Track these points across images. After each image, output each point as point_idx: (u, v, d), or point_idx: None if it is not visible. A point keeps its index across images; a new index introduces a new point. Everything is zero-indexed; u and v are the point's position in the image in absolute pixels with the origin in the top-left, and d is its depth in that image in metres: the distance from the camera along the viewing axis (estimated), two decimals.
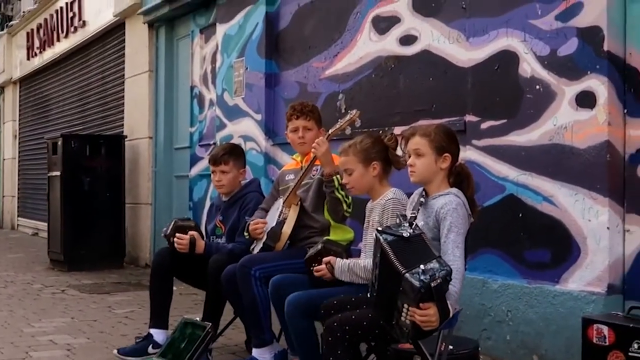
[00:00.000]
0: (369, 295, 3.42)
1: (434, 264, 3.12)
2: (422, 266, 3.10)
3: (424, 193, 3.58)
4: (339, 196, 4.17)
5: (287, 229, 4.47)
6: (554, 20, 4.64)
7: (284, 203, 4.54)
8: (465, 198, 3.51)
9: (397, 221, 3.43)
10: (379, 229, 3.32)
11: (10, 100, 16.84)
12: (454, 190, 3.52)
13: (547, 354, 4.61)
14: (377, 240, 3.27)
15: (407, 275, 3.08)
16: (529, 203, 4.78)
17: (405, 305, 3.12)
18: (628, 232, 4.37)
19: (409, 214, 3.52)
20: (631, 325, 3.76)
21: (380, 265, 3.26)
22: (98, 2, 11.59)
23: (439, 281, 3.08)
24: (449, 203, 3.43)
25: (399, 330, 3.21)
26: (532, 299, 4.70)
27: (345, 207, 4.20)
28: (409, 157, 3.60)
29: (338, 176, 4.15)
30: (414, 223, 3.36)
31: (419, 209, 3.54)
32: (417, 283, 3.06)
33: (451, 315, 3.22)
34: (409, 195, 3.83)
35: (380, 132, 4.34)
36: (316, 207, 4.48)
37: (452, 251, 3.34)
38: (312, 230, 4.48)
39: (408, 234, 3.23)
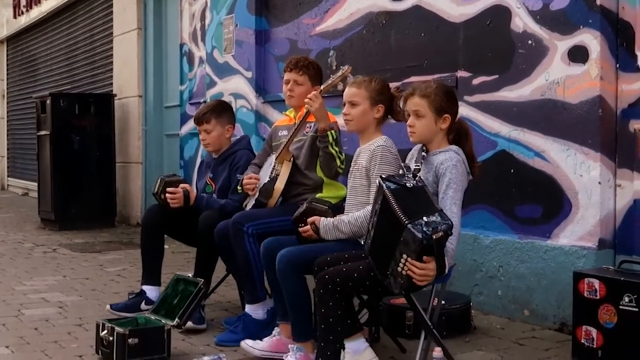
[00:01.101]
0: (362, 243, 3.42)
1: (436, 217, 3.11)
2: (424, 218, 3.09)
3: (424, 148, 3.58)
4: (333, 152, 4.15)
5: (280, 185, 4.45)
6: None
7: (276, 159, 4.52)
8: (465, 154, 3.51)
9: (401, 172, 3.44)
10: (383, 176, 3.31)
11: None
12: (454, 147, 3.52)
13: (538, 308, 4.65)
14: (379, 187, 3.26)
15: (409, 226, 3.07)
16: (521, 159, 4.78)
17: (404, 256, 3.12)
18: (619, 187, 4.39)
19: (412, 166, 3.52)
20: (622, 278, 3.79)
21: (380, 213, 3.26)
22: None
23: (440, 234, 3.07)
24: (449, 159, 3.43)
25: (392, 281, 3.20)
26: (524, 254, 4.73)
27: (338, 162, 4.18)
28: (408, 116, 3.58)
29: (333, 131, 4.13)
30: (418, 175, 3.37)
31: (422, 162, 3.53)
32: (419, 235, 3.05)
33: (447, 269, 3.22)
34: (401, 151, 3.83)
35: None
36: (309, 164, 4.45)
37: (450, 207, 3.34)
38: (305, 187, 4.46)
39: (411, 185, 3.23)
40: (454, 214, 3.33)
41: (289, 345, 3.87)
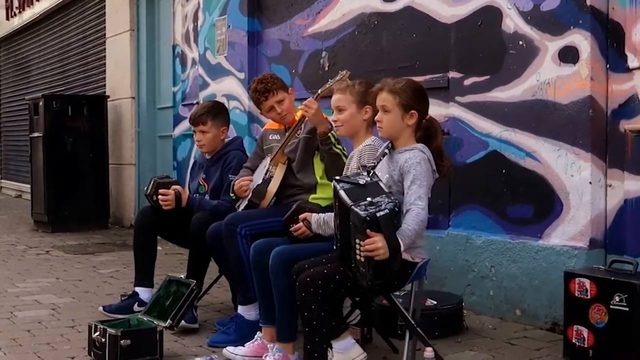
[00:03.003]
0: (334, 248, 3.44)
1: (381, 198, 3.18)
2: (369, 199, 3.16)
3: (389, 145, 3.61)
4: (337, 150, 4.17)
5: (273, 187, 4.46)
6: None
7: (270, 161, 4.52)
8: (432, 153, 3.53)
9: (358, 171, 3.47)
10: (337, 178, 3.37)
11: None
12: (420, 145, 3.54)
13: (529, 308, 4.66)
14: (334, 189, 3.33)
15: (353, 207, 3.15)
16: (512, 159, 4.79)
17: (357, 241, 3.16)
18: (610, 187, 4.40)
19: (370, 164, 3.56)
20: (612, 278, 3.80)
21: (339, 213, 3.33)
22: None
23: (385, 212, 3.12)
24: (412, 157, 3.45)
25: (358, 273, 3.24)
26: (515, 254, 4.74)
27: (345, 159, 4.19)
28: (377, 112, 3.61)
29: (333, 132, 4.15)
30: (372, 171, 3.40)
31: (380, 159, 3.59)
32: (362, 213, 3.11)
33: (403, 248, 3.20)
34: None
35: None
36: (303, 165, 4.46)
37: (415, 201, 3.35)
38: (299, 188, 4.47)
39: (364, 182, 3.29)
40: (418, 206, 3.33)
41: (269, 345, 3.88)
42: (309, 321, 3.43)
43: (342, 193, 3.25)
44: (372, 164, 3.54)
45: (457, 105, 5.12)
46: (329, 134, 4.14)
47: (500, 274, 4.84)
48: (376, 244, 3.12)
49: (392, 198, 3.20)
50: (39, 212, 9.88)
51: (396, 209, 3.17)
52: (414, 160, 3.43)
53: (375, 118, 3.61)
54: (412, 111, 3.54)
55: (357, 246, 3.17)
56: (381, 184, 3.31)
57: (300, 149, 4.46)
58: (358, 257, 3.18)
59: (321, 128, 4.16)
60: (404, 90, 3.54)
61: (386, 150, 3.60)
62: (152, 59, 9.75)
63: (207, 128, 5.01)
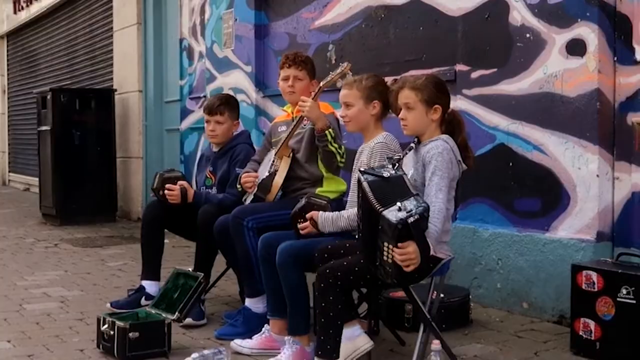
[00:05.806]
0: (356, 237, 3.45)
1: (410, 201, 3.15)
2: (398, 203, 3.13)
3: (416, 140, 3.60)
4: (333, 149, 4.17)
5: (278, 180, 4.46)
6: None
7: (275, 154, 4.53)
8: (456, 144, 3.52)
9: (384, 163, 3.47)
10: (362, 169, 3.36)
11: None
12: (444, 136, 3.53)
13: (537, 301, 4.66)
14: (359, 181, 3.31)
15: (384, 212, 3.12)
16: (519, 152, 4.79)
17: (386, 244, 3.15)
18: (617, 180, 4.40)
19: (395, 156, 3.55)
20: (620, 271, 3.80)
21: (362, 206, 3.32)
22: None
23: (416, 217, 3.10)
24: (434, 147, 3.45)
25: (382, 271, 3.24)
26: (523, 247, 4.74)
27: (339, 158, 4.20)
28: (400, 110, 3.60)
29: (330, 130, 4.15)
30: (397, 164, 3.38)
31: (406, 153, 3.58)
32: (394, 220, 3.09)
33: (432, 251, 3.21)
34: (404, 144, 3.84)
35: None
36: (309, 157, 4.45)
37: (435, 194, 3.35)
38: (305, 182, 4.47)
39: (389, 174, 3.28)
40: (439, 200, 3.33)
41: (285, 338, 3.89)
42: (325, 312, 3.43)
43: (365, 185, 3.24)
44: (398, 156, 3.50)
45: (464, 99, 5.12)
46: (326, 132, 4.14)
47: (508, 267, 4.84)
48: (409, 254, 3.11)
49: (421, 201, 3.17)
50: (47, 205, 9.91)
51: (425, 214, 3.15)
52: (436, 150, 3.43)
53: (399, 116, 3.60)
54: (436, 106, 3.54)
55: (386, 249, 3.15)
56: (406, 178, 3.30)
57: (305, 140, 4.47)
58: (386, 258, 3.17)
59: (319, 125, 4.16)
60: (425, 86, 3.54)
61: (412, 145, 3.59)
62: (159, 53, 9.77)
63: (223, 119, 5.03)
